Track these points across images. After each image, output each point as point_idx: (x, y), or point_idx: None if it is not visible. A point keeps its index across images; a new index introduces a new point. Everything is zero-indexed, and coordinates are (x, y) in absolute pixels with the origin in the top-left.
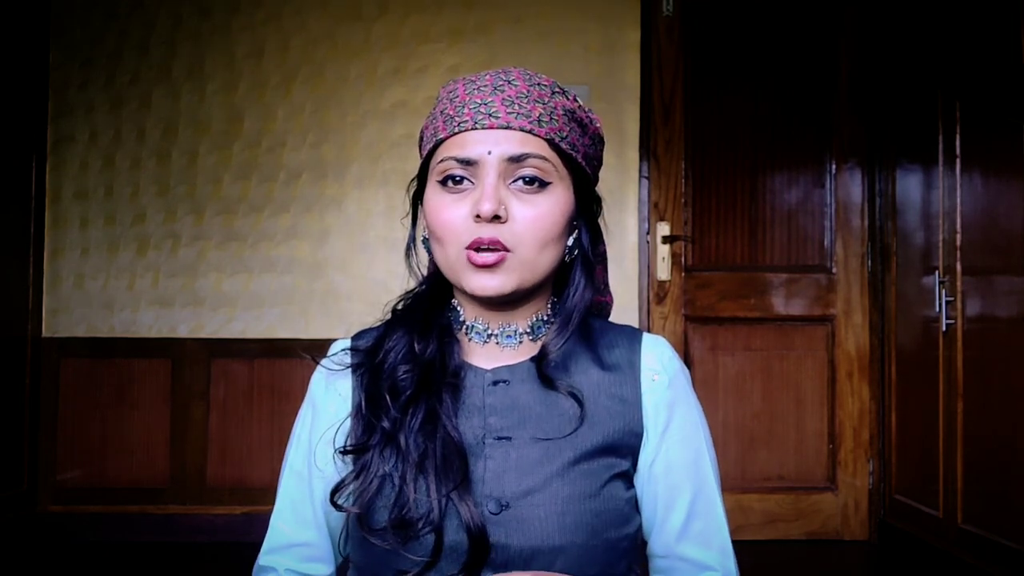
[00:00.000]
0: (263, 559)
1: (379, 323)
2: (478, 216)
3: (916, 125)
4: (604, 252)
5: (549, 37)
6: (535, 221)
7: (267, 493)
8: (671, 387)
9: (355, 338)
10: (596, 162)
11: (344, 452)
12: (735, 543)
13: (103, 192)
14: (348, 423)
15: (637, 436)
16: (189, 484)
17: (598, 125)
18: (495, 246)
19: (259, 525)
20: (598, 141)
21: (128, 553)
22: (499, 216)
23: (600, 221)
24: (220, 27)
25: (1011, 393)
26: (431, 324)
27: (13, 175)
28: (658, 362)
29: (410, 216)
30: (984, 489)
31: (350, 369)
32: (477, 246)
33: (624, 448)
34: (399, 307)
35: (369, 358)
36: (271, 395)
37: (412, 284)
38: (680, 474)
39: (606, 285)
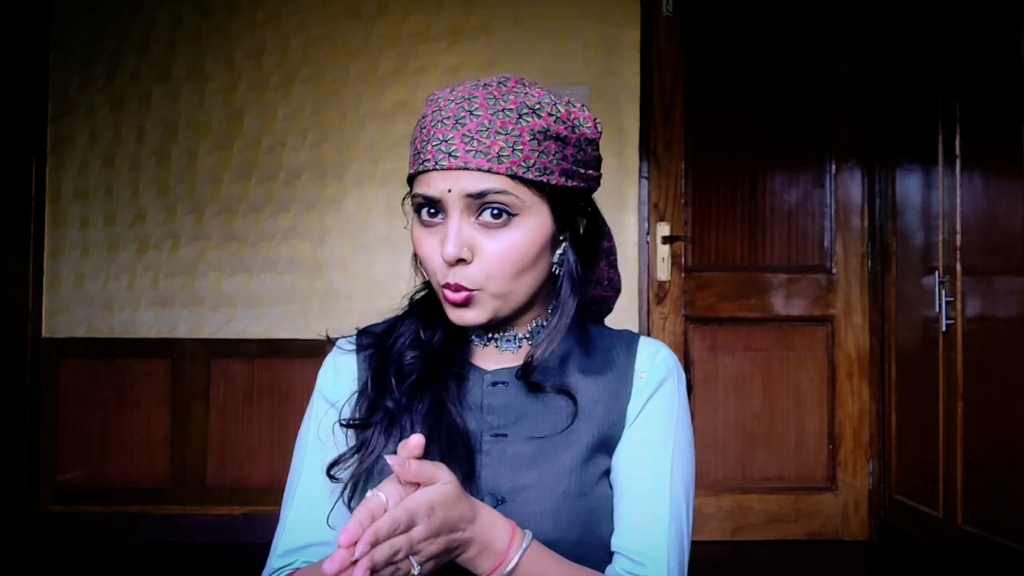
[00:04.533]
0: (277, 561)
1: (396, 314)
2: None
3: (916, 126)
4: (609, 248)
5: (549, 37)
6: (503, 256)
7: (267, 493)
8: (656, 381)
9: (369, 327)
10: (584, 168)
11: (346, 426)
12: (735, 543)
13: (103, 192)
14: (354, 399)
15: (621, 431)
16: (189, 484)
17: (585, 129)
18: (461, 290)
19: (259, 525)
20: (586, 145)
21: (128, 553)
22: (463, 259)
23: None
24: (220, 27)
25: (1011, 393)
26: (439, 316)
27: (13, 175)
28: (649, 360)
29: (411, 224)
30: (984, 489)
31: (356, 352)
32: (447, 288)
33: (613, 445)
34: (416, 298)
35: (380, 340)
36: (271, 395)
37: (418, 283)
38: (634, 463)
39: (610, 281)
